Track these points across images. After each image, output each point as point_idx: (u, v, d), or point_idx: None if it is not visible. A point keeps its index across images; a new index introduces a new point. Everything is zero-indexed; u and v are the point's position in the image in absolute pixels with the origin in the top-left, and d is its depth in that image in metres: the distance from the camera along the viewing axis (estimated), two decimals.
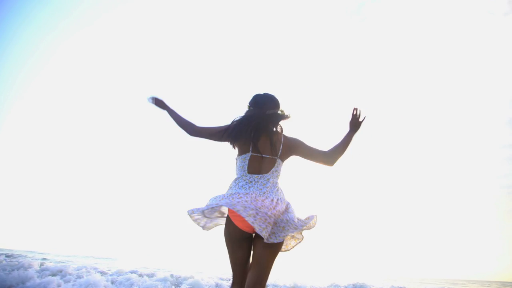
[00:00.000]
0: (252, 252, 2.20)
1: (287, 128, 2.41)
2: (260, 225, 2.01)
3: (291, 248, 2.38)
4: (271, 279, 8.35)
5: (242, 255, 2.20)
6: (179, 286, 6.93)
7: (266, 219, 2.04)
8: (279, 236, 2.08)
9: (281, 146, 2.32)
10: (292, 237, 2.36)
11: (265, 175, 2.23)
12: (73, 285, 4.67)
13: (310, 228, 2.27)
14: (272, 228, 2.09)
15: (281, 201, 2.16)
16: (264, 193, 2.15)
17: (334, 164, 2.37)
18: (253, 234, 2.21)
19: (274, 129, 2.35)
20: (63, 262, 10.94)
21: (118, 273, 7.43)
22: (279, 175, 2.30)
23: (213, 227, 2.44)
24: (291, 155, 2.37)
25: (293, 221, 2.09)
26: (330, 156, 2.34)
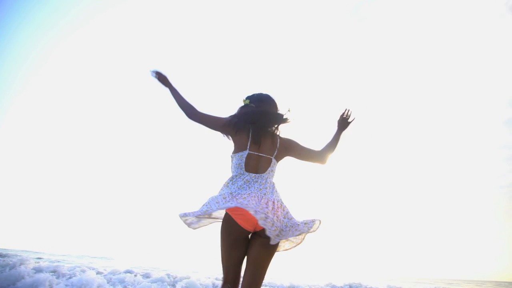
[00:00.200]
0: (247, 252, 2.17)
1: (284, 128, 2.44)
2: (270, 227, 2.03)
3: (285, 250, 2.36)
4: (268, 279, 8.31)
5: (239, 255, 2.16)
6: (175, 286, 6.88)
7: (273, 223, 2.06)
8: (284, 237, 2.10)
9: (277, 146, 2.32)
10: (287, 239, 2.33)
11: (262, 174, 2.22)
12: (66, 285, 4.60)
13: (311, 232, 2.25)
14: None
15: (280, 204, 2.17)
16: (265, 194, 2.15)
17: (327, 162, 2.48)
18: (249, 234, 2.19)
19: (274, 129, 2.36)
20: (58, 262, 10.88)
21: (113, 273, 7.37)
22: (274, 175, 2.30)
23: (198, 228, 2.35)
24: (286, 155, 2.39)
25: (297, 225, 2.12)
26: (323, 155, 2.45)
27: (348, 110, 2.57)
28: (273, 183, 2.26)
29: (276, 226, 2.03)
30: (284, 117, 2.36)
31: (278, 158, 2.33)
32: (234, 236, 2.13)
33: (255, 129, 2.27)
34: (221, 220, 2.25)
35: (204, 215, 2.23)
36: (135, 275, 6.97)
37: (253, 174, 2.20)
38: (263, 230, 2.07)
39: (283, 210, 2.15)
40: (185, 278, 7.41)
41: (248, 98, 2.42)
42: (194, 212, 2.15)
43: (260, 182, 2.18)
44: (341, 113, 2.57)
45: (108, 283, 5.56)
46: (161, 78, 2.47)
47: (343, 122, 2.56)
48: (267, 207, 2.04)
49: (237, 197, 2.07)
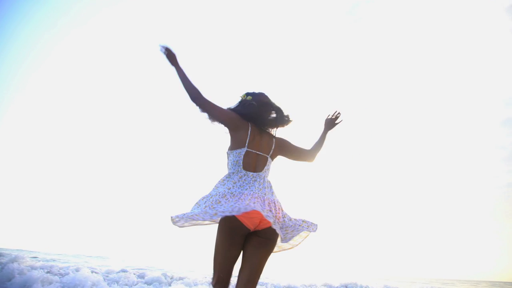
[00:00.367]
0: (243, 251, 2.13)
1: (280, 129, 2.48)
2: (279, 230, 2.07)
3: (282, 251, 2.36)
4: (264, 279, 8.29)
5: (236, 254, 2.10)
6: (171, 286, 6.83)
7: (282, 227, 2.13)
8: (288, 239, 2.16)
9: (273, 145, 2.31)
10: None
11: (260, 173, 2.19)
12: (59, 282, 4.53)
13: (310, 233, 2.29)
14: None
15: (279, 205, 2.18)
16: (265, 194, 2.13)
17: (314, 160, 2.56)
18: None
19: (275, 129, 2.38)
20: (53, 261, 10.80)
21: (108, 272, 7.31)
22: (269, 174, 2.29)
23: (187, 227, 2.24)
24: (279, 154, 2.40)
25: (299, 225, 2.17)
26: (312, 154, 2.53)
27: (338, 112, 2.63)
28: (270, 182, 2.25)
29: (281, 226, 2.08)
30: (287, 119, 2.37)
31: (273, 157, 2.32)
32: (235, 234, 2.06)
33: (255, 127, 2.25)
34: (207, 224, 2.19)
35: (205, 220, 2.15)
36: (133, 275, 6.92)
37: (251, 173, 2.16)
38: (263, 230, 2.06)
39: (282, 211, 2.15)
40: (181, 278, 7.37)
41: (249, 94, 2.37)
42: (194, 216, 2.04)
43: (259, 181, 2.15)
44: (330, 114, 2.64)
45: (104, 281, 5.50)
46: (170, 56, 2.30)
47: (330, 123, 2.63)
48: (270, 209, 2.05)
49: (241, 198, 2.02)
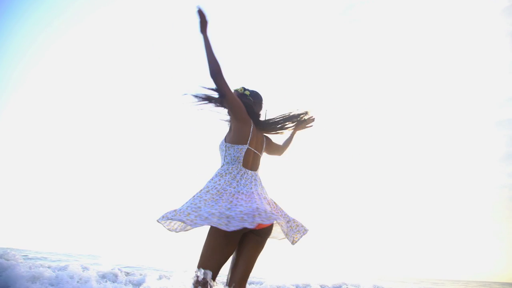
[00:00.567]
0: (240, 249, 2.08)
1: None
2: (287, 230, 2.14)
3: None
4: (259, 278, 8.19)
5: (231, 251, 2.02)
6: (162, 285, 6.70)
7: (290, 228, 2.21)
8: (293, 237, 2.20)
9: (264, 144, 2.34)
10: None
11: (256, 172, 2.19)
12: (46, 281, 4.39)
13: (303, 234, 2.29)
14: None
15: (275, 204, 2.19)
16: (266, 193, 2.17)
17: (283, 155, 2.62)
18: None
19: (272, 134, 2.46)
20: (44, 259, 10.66)
21: (99, 270, 7.15)
22: None
23: (180, 231, 2.13)
24: (264, 151, 2.42)
25: (302, 226, 2.22)
26: (283, 149, 2.59)
27: (313, 118, 2.59)
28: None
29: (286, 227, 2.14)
30: (289, 123, 2.45)
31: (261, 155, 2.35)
32: (236, 234, 1.94)
33: (258, 125, 2.26)
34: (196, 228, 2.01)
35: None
36: (123, 273, 6.79)
37: (250, 171, 2.12)
38: (262, 229, 2.03)
39: (280, 210, 2.18)
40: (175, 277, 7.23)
41: (246, 90, 2.35)
42: (197, 222, 1.85)
43: (258, 180, 2.15)
44: (305, 116, 2.53)
45: (94, 278, 5.37)
46: (203, 22, 2.19)
47: (302, 125, 2.59)
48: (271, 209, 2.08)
49: (249, 196, 1.99)
